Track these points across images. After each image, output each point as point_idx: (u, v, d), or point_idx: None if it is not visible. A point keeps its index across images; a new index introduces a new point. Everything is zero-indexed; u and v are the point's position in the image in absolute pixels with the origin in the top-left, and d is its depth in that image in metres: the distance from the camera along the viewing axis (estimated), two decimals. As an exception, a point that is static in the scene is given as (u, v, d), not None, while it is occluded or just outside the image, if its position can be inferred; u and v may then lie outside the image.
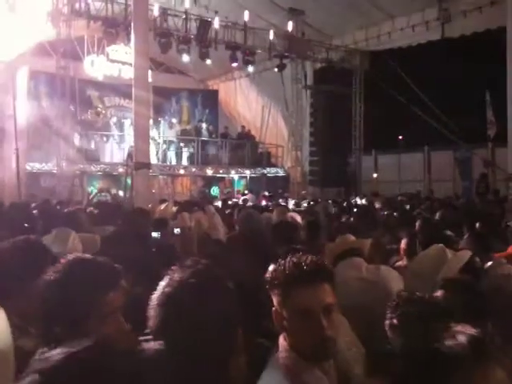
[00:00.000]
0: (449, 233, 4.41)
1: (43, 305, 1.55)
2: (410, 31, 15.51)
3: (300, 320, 1.62)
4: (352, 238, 3.62)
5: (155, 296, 1.46)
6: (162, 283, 1.50)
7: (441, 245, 2.57)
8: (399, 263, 3.87)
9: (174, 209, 6.66)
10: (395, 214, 7.97)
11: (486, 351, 1.06)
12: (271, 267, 1.74)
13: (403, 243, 3.88)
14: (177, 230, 4.40)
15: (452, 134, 14.39)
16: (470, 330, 1.09)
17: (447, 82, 14.49)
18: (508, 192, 13.68)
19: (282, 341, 1.70)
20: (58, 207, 7.84)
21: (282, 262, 1.72)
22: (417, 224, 5.87)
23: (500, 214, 8.37)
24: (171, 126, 17.98)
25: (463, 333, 1.08)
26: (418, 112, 15.23)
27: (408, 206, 9.76)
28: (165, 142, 17.37)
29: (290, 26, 15.42)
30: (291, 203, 11.83)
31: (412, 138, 16.23)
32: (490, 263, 2.96)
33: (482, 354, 1.05)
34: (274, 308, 1.69)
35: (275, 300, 1.69)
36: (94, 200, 11.86)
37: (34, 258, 1.98)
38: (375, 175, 17.99)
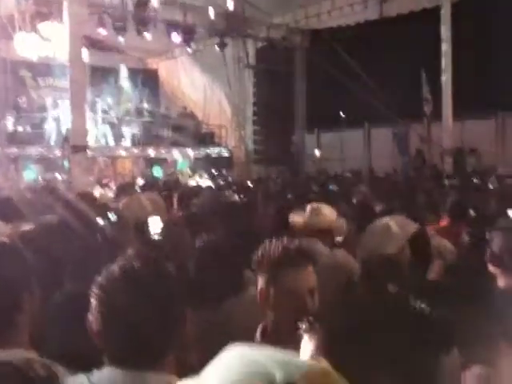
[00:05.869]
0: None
1: None
2: (349, 10, 15.66)
3: (286, 299, 1.77)
4: (326, 213, 3.56)
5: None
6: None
7: (386, 219, 2.45)
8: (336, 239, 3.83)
9: (111, 194, 6.42)
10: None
11: None
12: (259, 249, 1.86)
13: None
14: (113, 217, 4.13)
15: (390, 111, 14.73)
16: None
17: (385, 60, 14.74)
18: (443, 166, 14.26)
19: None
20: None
21: (269, 245, 1.85)
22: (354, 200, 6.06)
23: (434, 187, 8.69)
24: (110, 106, 17.46)
25: None
26: (358, 90, 15.46)
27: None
28: (104, 122, 16.86)
29: (229, 3, 15.22)
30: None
31: (353, 116, 16.45)
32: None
33: None
34: (260, 287, 1.83)
35: (262, 280, 1.83)
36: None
37: None
38: (318, 153, 18.21)
